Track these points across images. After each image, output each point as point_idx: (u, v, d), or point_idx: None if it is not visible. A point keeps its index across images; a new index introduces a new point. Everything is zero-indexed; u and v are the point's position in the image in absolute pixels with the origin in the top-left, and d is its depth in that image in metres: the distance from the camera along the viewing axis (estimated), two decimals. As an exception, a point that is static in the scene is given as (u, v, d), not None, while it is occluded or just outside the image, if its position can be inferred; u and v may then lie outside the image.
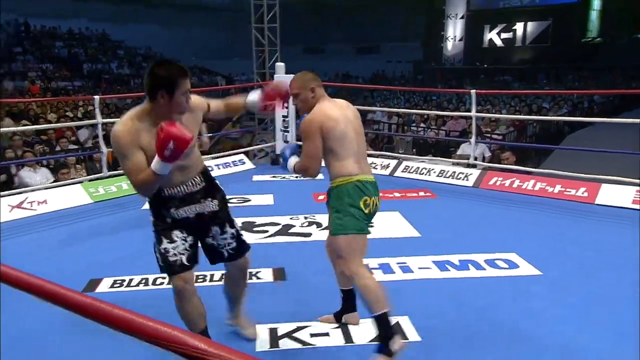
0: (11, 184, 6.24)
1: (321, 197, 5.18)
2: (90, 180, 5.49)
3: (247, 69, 25.04)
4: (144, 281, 3.21)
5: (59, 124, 8.36)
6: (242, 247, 2.40)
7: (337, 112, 2.37)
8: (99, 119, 5.36)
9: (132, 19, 26.23)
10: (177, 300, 2.21)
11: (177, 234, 2.18)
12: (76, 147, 8.19)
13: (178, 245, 2.17)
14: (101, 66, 20.89)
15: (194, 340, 0.59)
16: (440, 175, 5.86)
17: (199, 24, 28.86)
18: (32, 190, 5.08)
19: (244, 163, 6.74)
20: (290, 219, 4.44)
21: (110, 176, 5.41)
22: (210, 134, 5.06)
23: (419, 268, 3.35)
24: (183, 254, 2.18)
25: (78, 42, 22.72)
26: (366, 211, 2.36)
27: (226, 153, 7.19)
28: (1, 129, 7.44)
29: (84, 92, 16.57)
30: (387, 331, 2.25)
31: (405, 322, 2.64)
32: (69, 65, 20.21)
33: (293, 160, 2.45)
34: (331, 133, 2.33)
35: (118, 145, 2.01)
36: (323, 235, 4.01)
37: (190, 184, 2.21)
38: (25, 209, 4.66)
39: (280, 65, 6.60)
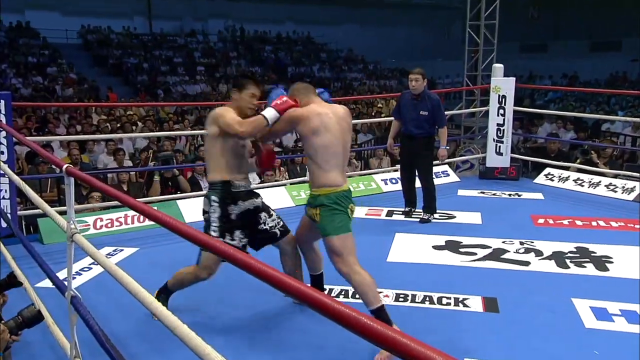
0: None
1: (541, 221, 4.85)
2: (292, 183, 6.06)
3: (451, 70, 24.94)
4: (343, 293, 3.41)
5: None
6: (286, 225, 3.09)
7: (320, 121, 2.73)
8: (306, 123, 5.88)
9: (335, 20, 28.11)
10: (202, 277, 2.95)
11: (238, 234, 2.90)
12: (279, 149, 9.12)
13: (236, 244, 2.86)
14: (304, 69, 22.93)
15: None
16: None
17: (403, 22, 29.52)
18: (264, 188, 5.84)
19: (447, 175, 6.68)
20: (503, 242, 4.26)
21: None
22: (448, 147, 5.11)
23: (680, 323, 2.88)
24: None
25: (284, 46, 25.33)
26: (351, 217, 2.81)
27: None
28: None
29: (286, 95, 18.37)
30: (385, 321, 2.59)
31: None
32: (275, 69, 22.66)
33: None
34: (311, 141, 2.73)
35: (225, 112, 2.82)
36: (543, 265, 3.77)
37: (249, 180, 3.02)
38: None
39: (498, 67, 6.38)
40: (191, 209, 5.06)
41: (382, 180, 6.32)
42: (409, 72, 4.97)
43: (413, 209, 5.18)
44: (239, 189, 2.92)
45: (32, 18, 21.13)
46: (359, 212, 5.23)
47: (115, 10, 23.42)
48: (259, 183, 6.57)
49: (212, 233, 2.85)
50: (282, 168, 7.38)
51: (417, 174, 5.08)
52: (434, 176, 5.17)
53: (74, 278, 2.24)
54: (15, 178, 2.79)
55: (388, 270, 3.77)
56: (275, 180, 6.60)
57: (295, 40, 26.42)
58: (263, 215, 3.01)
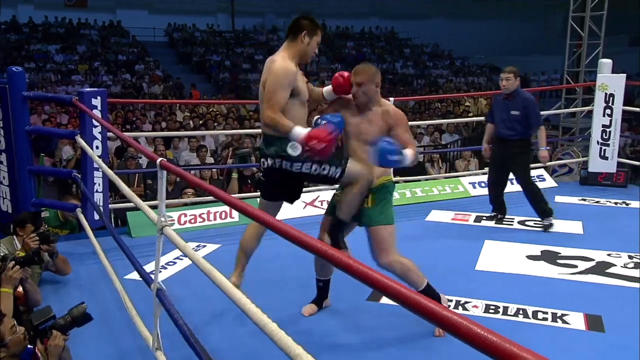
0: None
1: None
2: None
3: (548, 66, 23.79)
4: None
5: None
6: None
7: None
8: (391, 121, 5.84)
9: (421, 13, 27.67)
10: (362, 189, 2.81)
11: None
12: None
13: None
14: (386, 66, 22.78)
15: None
16: None
17: (494, 15, 28.50)
18: (322, 190, 5.87)
19: (543, 180, 6.39)
20: (608, 255, 4.02)
21: (396, 182, 5.84)
22: (548, 147, 4.94)
23: None
24: None
25: (367, 42, 25.31)
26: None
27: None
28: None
29: (368, 93, 18.34)
30: (434, 296, 2.93)
31: None
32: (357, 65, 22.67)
33: (407, 153, 2.75)
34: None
35: (285, 77, 2.68)
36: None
37: None
38: (317, 207, 5.42)
39: (605, 63, 6.01)
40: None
41: (469, 183, 6.16)
42: (501, 71, 4.83)
43: (501, 217, 5.00)
44: None
45: (123, 17, 22.59)
46: (445, 216, 5.16)
47: (200, 8, 24.49)
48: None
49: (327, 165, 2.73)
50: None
51: (515, 180, 4.95)
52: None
53: (159, 271, 2.35)
54: (110, 172, 2.98)
55: (477, 279, 3.67)
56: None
57: (379, 36, 26.31)
58: None
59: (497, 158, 4.90)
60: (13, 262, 2.61)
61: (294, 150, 2.64)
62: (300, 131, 2.64)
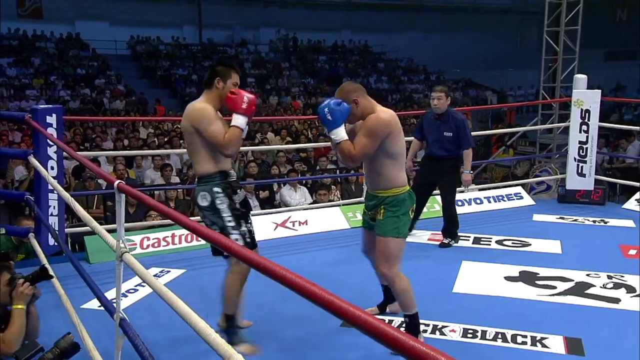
0: (272, 200, 7.35)
1: (633, 252, 4.63)
2: (346, 204, 6.06)
3: (524, 81, 24.40)
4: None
5: (320, 144, 9.43)
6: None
7: (397, 122, 2.93)
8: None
9: (395, 27, 28.12)
10: (242, 278, 2.98)
11: (244, 222, 3.00)
12: (334, 167, 9.16)
13: (249, 230, 3.04)
14: (360, 80, 23.03)
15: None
16: None
17: (470, 29, 29.15)
18: (293, 210, 5.88)
19: (521, 198, 6.52)
20: (587, 275, 4.09)
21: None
22: (472, 172, 5.09)
23: None
24: (251, 238, 3.05)
25: (340, 56, 25.58)
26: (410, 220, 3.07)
27: (499, 184, 7.08)
28: (270, 147, 8.86)
29: (341, 109, 18.50)
30: (417, 328, 3.05)
31: None
32: (330, 80, 22.89)
33: (342, 132, 2.88)
34: (396, 141, 2.92)
35: (206, 115, 2.87)
36: (636, 303, 3.59)
37: (234, 171, 3.08)
38: (288, 228, 5.42)
39: (580, 78, 6.19)
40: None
41: (446, 202, 6.22)
42: (432, 90, 5.00)
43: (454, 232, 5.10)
44: (233, 178, 3.01)
45: (82, 29, 22.39)
46: (421, 237, 5.19)
47: (164, 20, 24.43)
48: (310, 203, 6.61)
49: (229, 224, 2.91)
50: (333, 187, 7.40)
51: (441, 196, 5.12)
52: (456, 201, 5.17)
53: (120, 300, 2.30)
54: (65, 195, 2.92)
55: (454, 302, 3.70)
56: (329, 200, 6.62)
57: (352, 50, 26.63)
58: (250, 216, 3.11)
59: (426, 177, 5.07)
60: (22, 279, 2.64)
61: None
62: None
